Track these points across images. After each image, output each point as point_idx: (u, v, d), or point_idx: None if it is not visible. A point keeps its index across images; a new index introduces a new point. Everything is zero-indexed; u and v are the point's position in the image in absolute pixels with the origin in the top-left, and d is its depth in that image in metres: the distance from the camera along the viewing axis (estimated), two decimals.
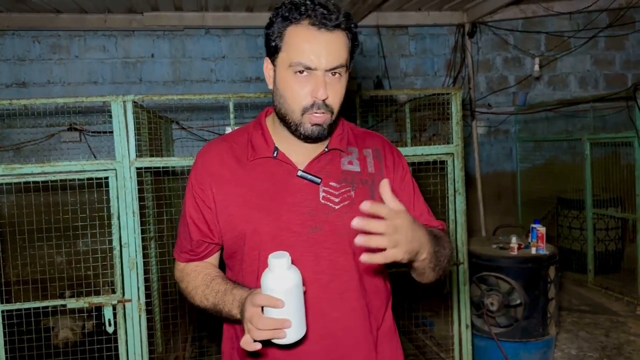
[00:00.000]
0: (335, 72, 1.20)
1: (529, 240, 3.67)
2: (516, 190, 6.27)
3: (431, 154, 3.07)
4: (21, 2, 4.61)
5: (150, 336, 3.07)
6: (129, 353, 2.85)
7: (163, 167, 2.97)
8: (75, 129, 5.03)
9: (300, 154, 1.30)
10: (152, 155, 3.35)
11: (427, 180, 3.24)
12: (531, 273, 3.43)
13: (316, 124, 1.21)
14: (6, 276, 3.24)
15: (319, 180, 1.27)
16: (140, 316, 2.85)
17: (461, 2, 5.35)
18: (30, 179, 2.72)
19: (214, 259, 1.40)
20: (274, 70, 1.25)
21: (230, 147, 1.33)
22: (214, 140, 1.41)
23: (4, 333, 2.72)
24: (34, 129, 4.99)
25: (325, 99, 1.19)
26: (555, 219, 5.78)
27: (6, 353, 2.75)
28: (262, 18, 5.39)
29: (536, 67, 5.75)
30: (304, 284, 1.09)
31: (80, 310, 2.95)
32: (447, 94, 3.14)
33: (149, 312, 2.98)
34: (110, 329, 2.82)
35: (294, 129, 1.23)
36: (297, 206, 1.25)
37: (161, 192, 3.75)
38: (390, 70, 5.83)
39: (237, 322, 1.21)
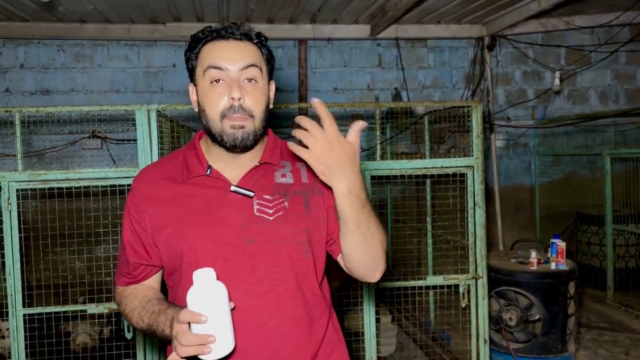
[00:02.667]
0: (251, 79, 1.25)
1: (549, 255, 3.63)
2: (534, 204, 6.21)
3: (451, 167, 3.07)
4: (48, 12, 4.72)
5: None
6: (146, 359, 2.87)
7: None
8: (97, 137, 5.10)
9: (234, 171, 1.32)
10: None
11: (446, 193, 3.23)
12: (550, 288, 3.40)
13: (237, 127, 1.23)
14: (28, 280, 3.29)
15: (252, 194, 1.29)
16: None
17: (480, 15, 5.36)
18: (55, 185, 2.78)
19: (153, 281, 1.41)
20: (196, 91, 1.31)
21: (166, 168, 1.36)
22: (150, 165, 1.46)
23: (25, 337, 2.76)
24: (57, 136, 5.07)
25: (240, 98, 1.22)
26: (573, 234, 5.71)
27: (27, 357, 2.78)
28: (282, 30, 5.46)
29: (557, 82, 5.71)
30: (231, 299, 1.11)
31: (99, 316, 2.99)
32: (467, 107, 3.14)
33: None
34: (129, 335, 2.85)
35: (219, 139, 1.26)
36: (231, 220, 1.27)
37: None
38: (408, 82, 5.84)
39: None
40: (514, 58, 6.13)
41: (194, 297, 1.07)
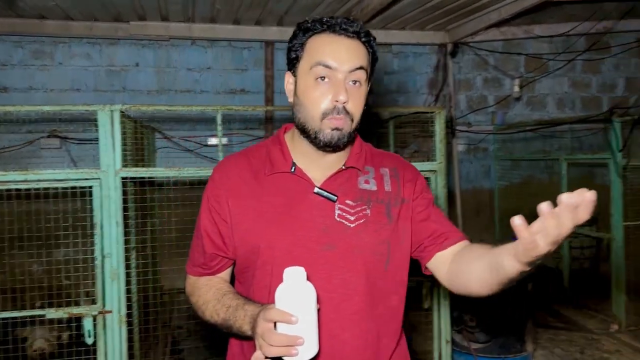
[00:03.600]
0: (356, 81, 1.22)
1: None
2: (494, 207, 6.38)
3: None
4: (6, 7, 4.57)
5: (130, 348, 3.04)
6: None
7: (149, 178, 2.97)
8: (57, 136, 4.97)
9: (318, 171, 1.29)
10: (136, 165, 3.34)
11: None
12: (509, 290, 3.49)
13: (336, 128, 1.21)
14: None
15: (335, 198, 1.26)
16: (120, 327, 2.82)
17: (444, 22, 5.47)
18: (13, 186, 2.70)
19: (226, 274, 1.38)
20: (295, 82, 1.27)
21: (248, 161, 1.33)
22: (232, 154, 1.41)
23: None
24: (14, 135, 4.92)
25: (346, 102, 1.20)
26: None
27: None
28: (248, 31, 5.44)
29: (516, 88, 5.89)
30: (318, 302, 1.06)
31: (57, 321, 2.91)
32: (431, 112, 3.21)
33: (129, 323, 2.96)
34: (89, 340, 2.79)
35: (313, 137, 1.23)
36: (312, 222, 1.24)
37: (143, 202, 3.74)
38: (374, 87, 5.90)
39: (247, 339, 1.19)
40: (475, 65, 6.28)
41: (283, 295, 1.03)
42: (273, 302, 1.10)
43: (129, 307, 2.98)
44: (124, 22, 5.15)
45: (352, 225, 1.25)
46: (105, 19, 5.09)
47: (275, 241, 1.23)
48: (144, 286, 3.60)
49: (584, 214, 0.93)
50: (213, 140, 5.54)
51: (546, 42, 6.31)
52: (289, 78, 1.30)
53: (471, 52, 6.19)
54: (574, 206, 0.92)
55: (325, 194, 1.26)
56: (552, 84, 6.52)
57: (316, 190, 1.26)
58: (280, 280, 1.07)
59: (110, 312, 2.80)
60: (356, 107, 1.23)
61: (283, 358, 1.04)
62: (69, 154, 5.07)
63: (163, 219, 3.72)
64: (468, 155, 6.34)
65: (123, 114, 2.88)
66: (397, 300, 1.34)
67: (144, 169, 2.98)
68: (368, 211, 1.27)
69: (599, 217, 5.19)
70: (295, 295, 1.02)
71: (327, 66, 1.20)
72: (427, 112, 3.24)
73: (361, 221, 1.26)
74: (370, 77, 1.30)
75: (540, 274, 5.00)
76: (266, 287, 1.24)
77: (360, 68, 1.22)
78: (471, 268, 1.23)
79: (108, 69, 5.39)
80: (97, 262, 2.79)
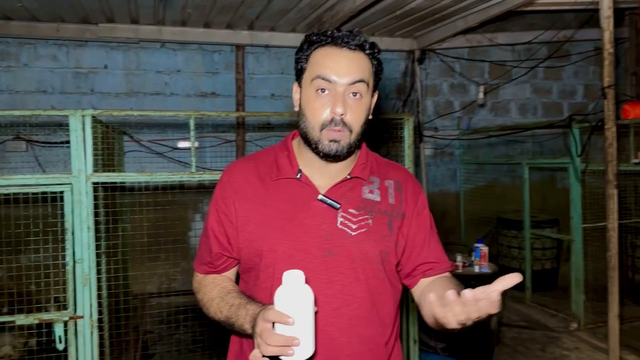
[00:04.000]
0: (356, 93, 1.25)
1: (473, 258, 3.86)
2: (459, 210, 6.55)
3: None
4: None
5: (100, 353, 3.02)
6: None
7: (120, 183, 2.97)
8: (22, 139, 4.89)
9: (323, 179, 1.33)
10: (105, 169, 3.32)
11: None
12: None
13: (333, 140, 1.24)
14: None
15: (338, 206, 1.29)
16: (92, 333, 2.82)
17: (412, 30, 5.60)
18: None
19: (231, 273, 1.43)
20: (300, 92, 1.32)
21: (256, 165, 1.37)
22: (241, 158, 1.45)
23: None
24: None
25: (342, 114, 1.23)
26: (495, 238, 6.06)
27: None
28: (219, 34, 5.45)
29: (481, 95, 6.07)
30: (315, 305, 1.10)
31: (23, 327, 2.88)
32: (400, 119, 3.30)
33: (100, 329, 2.95)
34: (61, 346, 2.77)
35: (314, 147, 1.27)
36: (314, 229, 1.27)
37: (113, 207, 3.71)
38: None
39: (248, 337, 1.22)
40: (442, 71, 6.44)
41: (282, 298, 1.06)
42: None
43: (99, 312, 2.96)
44: (92, 24, 5.09)
45: (353, 234, 1.28)
46: (72, 21, 5.03)
47: (277, 245, 1.27)
48: (115, 291, 3.57)
49: (488, 309, 1.03)
50: (183, 144, 5.53)
51: (509, 50, 6.53)
52: (295, 88, 1.34)
53: (438, 59, 6.35)
54: (476, 300, 1.02)
55: (329, 201, 1.29)
56: (515, 90, 6.74)
57: (320, 197, 1.30)
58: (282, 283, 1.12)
59: (81, 317, 2.79)
60: (355, 119, 1.26)
61: (280, 357, 1.08)
62: (36, 157, 4.98)
63: (132, 223, 3.70)
64: (435, 159, 6.50)
65: (94, 119, 2.87)
66: (394, 307, 1.39)
67: (116, 174, 2.97)
68: (370, 221, 1.31)
69: (560, 219, 5.40)
70: (293, 298, 1.06)
71: (326, 79, 1.23)
72: (397, 119, 3.33)
73: (363, 230, 1.29)
74: (376, 87, 1.33)
75: (504, 275, 5.16)
76: (268, 289, 1.27)
77: (361, 81, 1.25)
78: (426, 309, 1.31)
79: (75, 71, 5.32)
80: (69, 268, 2.77)
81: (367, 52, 1.28)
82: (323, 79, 1.23)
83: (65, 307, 2.80)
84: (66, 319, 2.77)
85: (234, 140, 5.65)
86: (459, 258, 3.80)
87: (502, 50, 6.50)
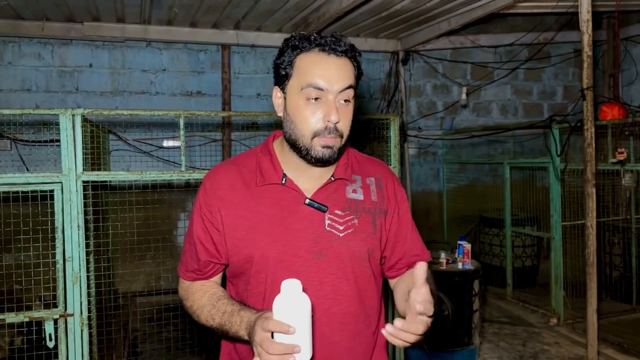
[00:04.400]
0: (346, 99, 1.26)
1: (456, 255, 3.95)
2: (442, 209, 6.66)
3: None
4: None
5: (89, 351, 3.04)
6: None
7: (110, 181, 2.99)
8: (8, 138, 4.86)
9: (308, 181, 1.33)
10: (93, 168, 3.33)
11: None
12: (458, 286, 3.70)
13: (327, 146, 1.25)
14: None
15: (325, 209, 1.31)
16: (82, 331, 2.84)
17: (396, 31, 5.68)
18: None
19: (218, 277, 1.43)
20: (284, 98, 1.29)
21: (239, 170, 1.36)
22: (222, 163, 1.44)
23: None
24: None
25: (337, 122, 1.24)
26: (477, 236, 6.18)
27: None
28: (205, 34, 5.47)
29: (463, 96, 6.18)
30: (312, 311, 1.13)
31: (9, 325, 2.88)
32: (386, 119, 3.37)
33: (89, 326, 2.96)
34: (50, 344, 2.79)
35: (304, 154, 1.27)
36: (303, 232, 1.29)
37: (99, 205, 3.72)
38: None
39: (242, 342, 1.25)
40: (425, 72, 6.54)
41: (281, 307, 1.08)
42: (267, 308, 1.18)
43: (89, 310, 2.98)
44: (77, 23, 5.08)
45: (341, 235, 1.31)
46: (57, 19, 5.01)
47: (268, 251, 1.28)
48: (103, 289, 3.58)
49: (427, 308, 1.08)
50: (169, 143, 5.55)
51: (491, 51, 6.65)
52: (277, 93, 1.32)
53: (421, 60, 6.45)
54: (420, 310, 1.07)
55: (316, 205, 1.31)
56: (497, 92, 6.87)
57: (307, 201, 1.31)
58: (274, 287, 1.15)
59: (71, 315, 2.81)
60: (346, 125, 1.28)
61: None
62: (21, 156, 4.95)
63: (118, 222, 3.71)
64: (418, 159, 6.60)
65: (82, 117, 2.88)
66: (378, 300, 1.42)
67: (106, 172, 2.98)
68: (356, 221, 1.33)
69: (540, 217, 5.53)
70: (292, 307, 1.08)
71: (318, 88, 1.22)
72: (383, 119, 3.40)
73: (350, 231, 1.32)
74: (356, 90, 1.33)
75: (486, 273, 5.28)
76: (260, 294, 1.30)
77: (350, 87, 1.25)
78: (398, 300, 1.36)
79: (60, 69, 5.30)
80: (59, 266, 2.79)
81: (350, 56, 1.28)
82: (315, 87, 1.22)
83: (55, 305, 2.81)
84: (56, 316, 2.79)
85: (221, 140, 5.68)
86: (442, 255, 3.88)
87: (484, 51, 6.62)
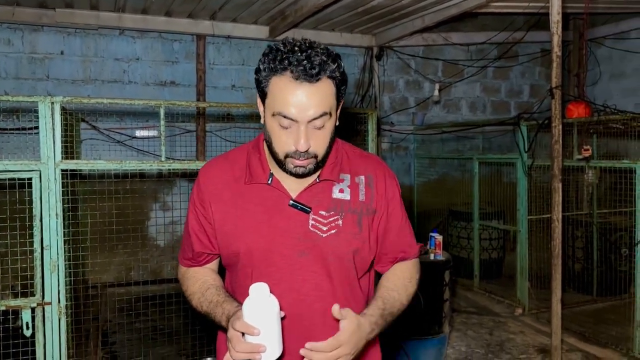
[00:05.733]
0: (319, 127, 1.24)
1: (428, 247, 4.06)
2: (413, 202, 6.79)
3: None
4: None
5: None
6: (46, 356, 2.81)
7: (88, 170, 2.97)
8: None
9: (294, 182, 1.36)
10: (66, 157, 3.29)
11: None
12: (429, 277, 3.81)
13: (300, 166, 1.27)
14: None
15: (309, 210, 1.34)
16: (60, 319, 2.83)
17: (371, 27, 5.76)
18: None
19: (214, 264, 1.51)
20: (264, 112, 1.31)
21: (231, 167, 1.41)
22: (217, 158, 1.48)
23: None
24: None
25: (306, 149, 1.24)
26: (446, 229, 6.33)
27: None
28: (180, 24, 5.44)
29: (436, 92, 6.31)
30: (281, 307, 1.20)
31: None
32: (364, 113, 3.45)
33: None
34: (27, 332, 2.77)
35: (280, 165, 1.31)
36: (288, 231, 1.33)
37: (74, 194, 3.69)
38: None
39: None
40: (398, 68, 6.65)
41: (249, 309, 1.17)
42: None
43: (66, 299, 2.97)
44: (49, 9, 4.98)
45: (324, 235, 1.34)
46: (29, 5, 4.90)
47: (254, 247, 1.33)
48: (75, 279, 3.56)
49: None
50: (141, 133, 5.50)
51: (462, 49, 6.81)
52: (259, 102, 1.33)
53: (395, 56, 6.55)
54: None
55: (299, 206, 1.34)
56: (466, 89, 7.05)
57: (291, 203, 1.34)
58: (259, 282, 1.22)
59: (49, 304, 2.80)
60: (320, 147, 1.27)
61: None
62: None
63: (89, 212, 3.69)
64: (391, 153, 6.72)
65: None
66: (364, 299, 1.46)
67: (85, 161, 2.98)
68: (340, 221, 1.36)
69: (506, 211, 5.72)
70: (259, 309, 1.16)
71: (287, 117, 1.21)
72: (361, 113, 3.47)
73: (333, 231, 1.34)
74: (340, 99, 1.31)
75: (454, 264, 5.44)
76: (246, 287, 1.28)
77: (323, 114, 1.22)
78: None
79: (30, 56, 5.19)
80: (36, 255, 2.77)
81: (328, 76, 1.23)
82: (284, 116, 1.21)
83: (32, 294, 2.80)
84: (34, 305, 2.77)
85: (195, 131, 5.66)
86: None
87: (456, 49, 6.77)
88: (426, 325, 3.75)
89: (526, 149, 4.84)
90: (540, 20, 5.77)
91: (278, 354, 1.20)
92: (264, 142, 1.39)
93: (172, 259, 5.72)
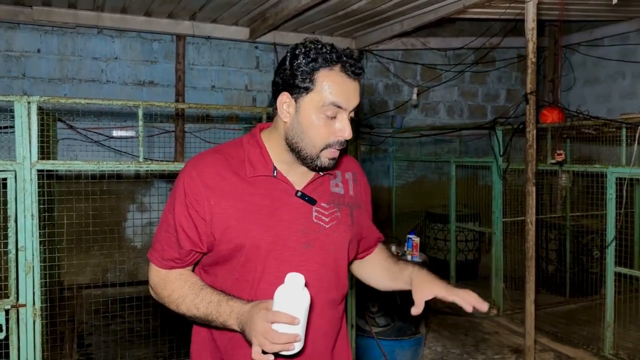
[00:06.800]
0: (352, 116, 1.33)
1: (405, 248, 4.12)
2: (392, 204, 6.86)
3: None
4: None
5: None
6: (20, 359, 2.77)
7: (66, 171, 2.95)
8: None
9: (296, 175, 1.39)
10: (42, 157, 3.25)
11: None
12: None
13: (333, 158, 1.33)
14: None
15: (314, 202, 1.38)
16: (34, 321, 2.79)
17: (351, 30, 5.81)
18: None
19: (192, 266, 1.44)
20: (296, 107, 1.31)
21: (226, 160, 1.36)
22: (206, 152, 1.42)
23: None
24: None
25: (349, 138, 1.33)
26: (423, 230, 6.41)
27: None
28: (160, 24, 5.41)
29: (414, 96, 6.39)
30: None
31: None
32: None
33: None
34: (1, 335, 2.73)
35: (308, 162, 1.33)
36: (293, 223, 1.34)
37: (50, 195, 3.65)
38: None
39: (224, 330, 1.31)
40: (378, 71, 6.71)
41: (283, 298, 1.13)
42: (256, 296, 1.28)
43: (41, 301, 2.93)
44: (26, 7, 4.91)
45: (327, 227, 1.39)
46: (4, 1, 4.83)
47: (260, 240, 1.32)
48: (50, 281, 3.52)
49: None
50: (118, 133, 5.45)
51: (440, 54, 6.90)
52: (286, 99, 1.32)
53: (374, 60, 6.61)
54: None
55: (307, 197, 1.38)
56: (444, 93, 7.15)
57: (299, 194, 1.37)
58: (264, 276, 1.24)
59: (24, 305, 2.76)
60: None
61: (279, 353, 1.17)
62: None
63: (65, 212, 3.65)
64: (370, 156, 6.77)
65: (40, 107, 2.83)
66: (347, 291, 1.53)
67: (61, 161, 2.94)
68: (338, 214, 1.42)
69: (482, 213, 5.81)
70: (295, 300, 1.14)
71: (340, 107, 1.28)
72: None
73: (334, 222, 1.40)
74: None
75: (430, 265, 5.51)
76: (249, 282, 1.34)
77: (358, 106, 1.34)
78: (375, 273, 1.63)
79: (6, 54, 5.12)
80: (11, 256, 2.73)
81: (361, 76, 1.35)
82: (338, 106, 1.28)
83: (6, 296, 2.76)
84: (8, 307, 2.73)
85: (173, 131, 5.63)
86: (393, 248, 4.04)
87: (434, 54, 6.87)
88: (403, 326, 3.80)
89: (501, 153, 4.92)
90: (516, 27, 5.89)
91: (302, 346, 1.19)
92: (262, 133, 1.42)
93: (148, 261, 5.66)
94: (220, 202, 1.32)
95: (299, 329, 1.14)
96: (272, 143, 1.39)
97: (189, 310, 1.33)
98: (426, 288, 1.39)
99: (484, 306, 1.35)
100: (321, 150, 1.31)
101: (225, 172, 1.35)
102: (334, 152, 1.32)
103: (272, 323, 1.13)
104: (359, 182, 1.54)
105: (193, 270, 1.45)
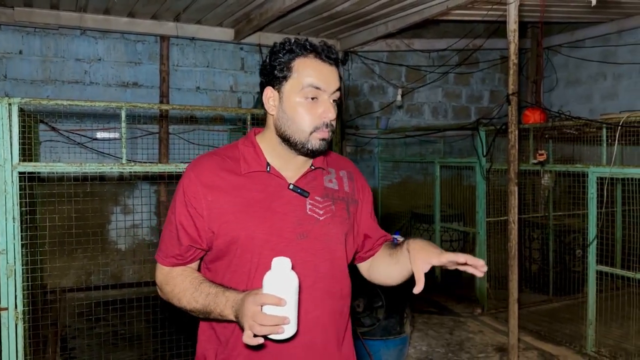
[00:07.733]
0: (335, 100, 1.41)
1: None
2: (378, 205, 6.88)
3: None
4: None
5: None
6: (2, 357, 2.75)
7: (49, 173, 2.92)
8: None
9: (290, 170, 1.46)
10: (24, 159, 3.22)
11: None
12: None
13: (323, 139, 1.39)
14: None
15: (307, 194, 1.44)
16: (17, 325, 2.77)
17: (336, 32, 5.83)
18: None
19: (196, 264, 1.51)
20: (279, 97, 1.41)
21: (222, 160, 1.46)
22: (204, 155, 1.52)
23: None
24: None
25: (333, 119, 1.40)
26: (409, 231, 6.45)
27: None
28: (144, 25, 5.39)
29: (399, 97, 6.43)
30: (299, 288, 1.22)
31: None
32: None
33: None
34: None
35: (300, 147, 1.40)
36: (287, 215, 1.40)
37: (32, 197, 3.61)
38: None
39: (225, 322, 1.35)
40: (363, 73, 6.74)
41: (271, 282, 1.16)
42: (252, 286, 1.31)
43: (23, 305, 2.90)
44: (7, 7, 4.85)
45: (321, 219, 1.45)
46: None
47: (255, 232, 1.38)
48: (32, 284, 3.48)
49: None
50: (102, 135, 5.41)
51: (424, 56, 6.95)
52: (270, 93, 1.43)
53: (359, 61, 6.64)
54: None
55: (299, 190, 1.44)
56: (429, 94, 7.20)
57: (291, 187, 1.43)
58: (259, 266, 1.27)
59: (5, 309, 2.74)
60: (336, 121, 1.44)
61: (269, 336, 1.18)
62: None
63: (47, 215, 3.61)
64: (355, 156, 6.79)
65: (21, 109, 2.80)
66: (349, 283, 1.55)
67: (43, 164, 2.92)
68: (333, 207, 1.48)
69: (466, 213, 5.86)
70: (282, 282, 1.16)
71: (317, 88, 1.37)
72: None
73: (328, 215, 1.46)
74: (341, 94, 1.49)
75: None
76: (245, 273, 1.39)
77: (338, 89, 1.41)
78: (383, 266, 1.58)
79: None
80: None
81: (337, 65, 1.43)
82: (315, 87, 1.37)
83: None
84: None
85: (157, 133, 5.60)
86: None
87: (418, 55, 6.91)
88: (388, 326, 3.82)
89: (484, 153, 4.97)
90: (499, 28, 5.95)
91: (295, 330, 1.20)
92: (257, 135, 1.51)
93: (133, 263, 5.64)
94: (218, 198, 1.40)
95: (288, 311, 1.16)
96: (266, 141, 1.47)
97: (189, 304, 1.39)
98: (421, 258, 1.37)
99: (479, 262, 1.36)
100: (310, 134, 1.38)
101: (221, 171, 1.44)
102: (323, 133, 1.39)
103: (260, 306, 1.16)
104: (355, 180, 1.60)
105: (198, 269, 1.52)
